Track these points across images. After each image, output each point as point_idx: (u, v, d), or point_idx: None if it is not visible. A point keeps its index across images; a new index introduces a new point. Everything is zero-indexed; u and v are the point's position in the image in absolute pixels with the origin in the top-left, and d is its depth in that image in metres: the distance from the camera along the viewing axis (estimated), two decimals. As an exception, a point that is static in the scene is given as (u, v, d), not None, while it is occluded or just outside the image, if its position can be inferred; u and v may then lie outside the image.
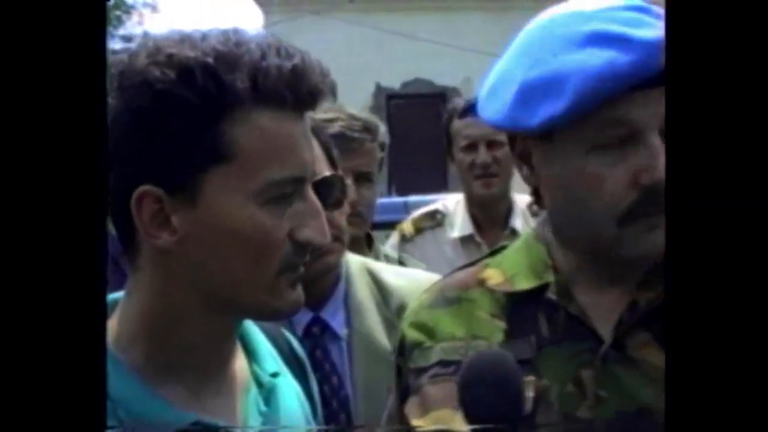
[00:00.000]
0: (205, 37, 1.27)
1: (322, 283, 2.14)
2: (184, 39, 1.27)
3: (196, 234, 1.26)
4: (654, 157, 1.38)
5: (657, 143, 1.39)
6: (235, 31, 1.29)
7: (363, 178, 2.66)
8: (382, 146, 2.74)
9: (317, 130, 1.90)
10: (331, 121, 2.53)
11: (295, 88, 1.27)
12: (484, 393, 1.29)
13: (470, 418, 1.33)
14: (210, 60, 1.23)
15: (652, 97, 1.38)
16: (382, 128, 2.76)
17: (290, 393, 1.47)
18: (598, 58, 1.37)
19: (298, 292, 1.34)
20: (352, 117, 2.63)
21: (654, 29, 1.38)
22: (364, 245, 2.86)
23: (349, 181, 2.41)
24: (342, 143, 2.53)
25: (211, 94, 1.23)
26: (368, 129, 2.65)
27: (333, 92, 1.33)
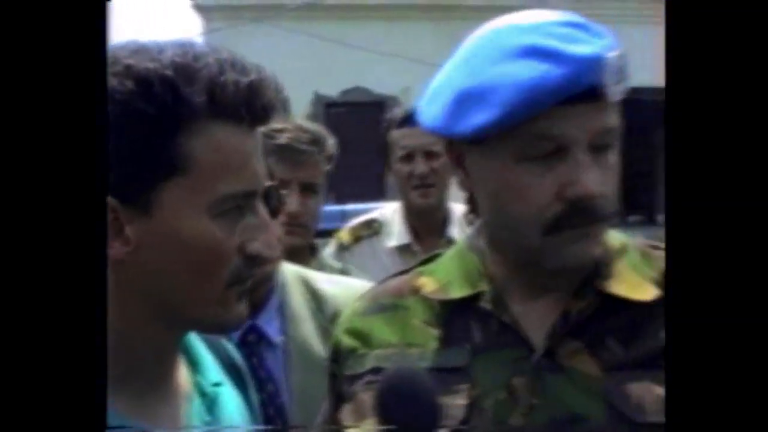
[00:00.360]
0: (161, 49, 1.27)
1: (258, 291, 2.14)
2: (141, 50, 1.27)
3: (149, 244, 1.27)
4: (579, 171, 1.41)
5: (583, 158, 1.42)
6: (191, 44, 1.30)
7: (308, 190, 2.66)
8: (329, 158, 2.75)
9: None
10: (279, 131, 2.54)
11: (251, 103, 1.28)
12: (399, 407, 1.29)
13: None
14: (169, 72, 1.24)
15: (581, 112, 1.41)
16: (331, 140, 2.76)
17: (232, 402, 1.48)
18: (530, 71, 1.40)
19: (243, 306, 1.35)
20: (301, 129, 2.63)
21: (589, 45, 1.41)
22: (308, 255, 2.86)
23: (285, 192, 2.42)
24: (289, 154, 2.53)
25: (168, 107, 1.23)
26: (316, 141, 2.66)
27: (286, 108, 1.34)
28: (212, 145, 1.26)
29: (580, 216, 1.42)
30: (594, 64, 1.39)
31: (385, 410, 1.27)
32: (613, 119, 1.44)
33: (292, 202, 2.58)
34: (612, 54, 1.41)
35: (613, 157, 1.46)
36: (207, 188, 1.26)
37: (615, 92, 1.41)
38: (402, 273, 1.68)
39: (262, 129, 2.39)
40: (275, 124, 2.52)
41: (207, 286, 1.29)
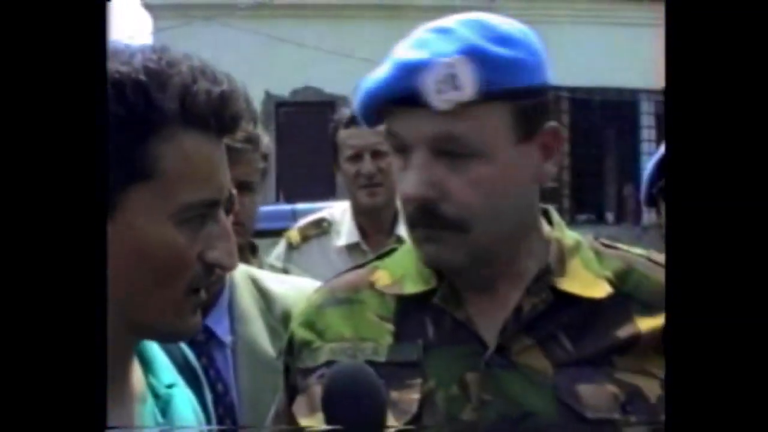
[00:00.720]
0: (133, 53, 1.26)
1: (207, 291, 2.13)
2: (116, 53, 1.25)
3: (110, 249, 1.23)
4: (407, 172, 1.46)
5: (418, 161, 1.45)
6: (164, 49, 1.29)
7: (244, 188, 2.64)
8: (264, 156, 2.74)
9: None
10: None
11: (220, 113, 1.28)
12: (343, 404, 1.27)
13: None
14: (142, 77, 1.23)
15: (416, 116, 1.44)
16: (266, 139, 2.75)
17: (186, 404, 1.46)
18: (372, 74, 1.49)
19: (198, 317, 1.34)
20: None
21: (421, 51, 1.44)
22: (249, 254, 2.85)
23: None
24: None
25: (139, 111, 1.22)
26: (250, 140, 2.64)
27: (254, 119, 1.33)
28: (180, 152, 1.26)
29: (422, 217, 1.46)
30: (411, 70, 1.42)
31: (329, 408, 1.27)
32: (459, 128, 1.43)
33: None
34: (441, 61, 1.41)
35: (483, 169, 1.45)
36: (172, 195, 1.26)
37: (440, 100, 1.41)
38: (358, 267, 1.69)
39: None
40: None
41: (166, 293, 1.28)
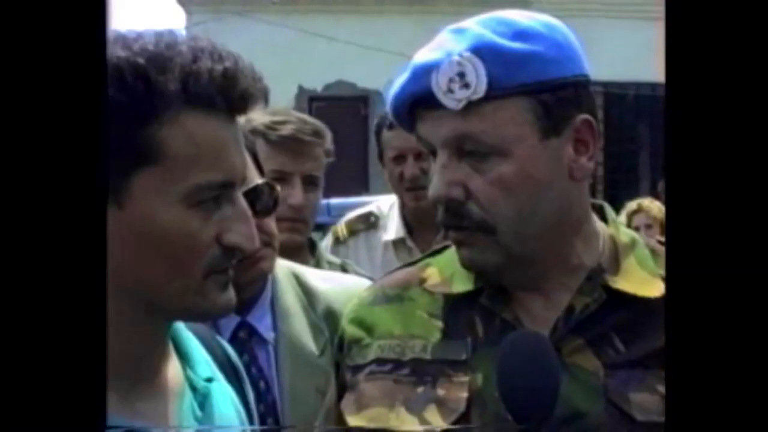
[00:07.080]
0: (138, 37, 1.26)
1: (251, 288, 2.12)
2: (117, 39, 1.25)
3: (122, 235, 1.24)
4: (438, 172, 1.46)
5: (441, 161, 1.46)
6: (170, 32, 1.29)
7: (310, 183, 2.65)
8: (328, 152, 2.74)
9: (243, 136, 1.89)
10: (282, 123, 2.54)
11: (226, 91, 1.27)
12: (520, 369, 1.30)
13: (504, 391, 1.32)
14: (141, 61, 1.23)
15: (435, 117, 1.45)
16: (329, 135, 2.76)
17: (225, 398, 1.46)
18: (396, 79, 1.51)
19: (229, 295, 1.33)
20: (303, 121, 2.63)
21: (435, 53, 1.45)
22: (307, 251, 2.84)
23: (284, 185, 2.39)
24: (294, 146, 2.53)
25: (140, 96, 1.22)
26: (317, 133, 2.65)
27: (265, 97, 1.33)
28: (185, 134, 1.25)
29: (451, 219, 1.47)
30: (425, 71, 1.44)
31: (505, 374, 1.29)
32: (474, 126, 1.43)
33: (296, 195, 2.56)
34: (449, 60, 1.42)
35: (504, 167, 1.44)
36: (180, 178, 1.25)
37: (451, 99, 1.42)
38: (410, 264, 1.68)
39: (263, 121, 2.35)
40: (276, 117, 2.54)
41: (183, 276, 1.28)
